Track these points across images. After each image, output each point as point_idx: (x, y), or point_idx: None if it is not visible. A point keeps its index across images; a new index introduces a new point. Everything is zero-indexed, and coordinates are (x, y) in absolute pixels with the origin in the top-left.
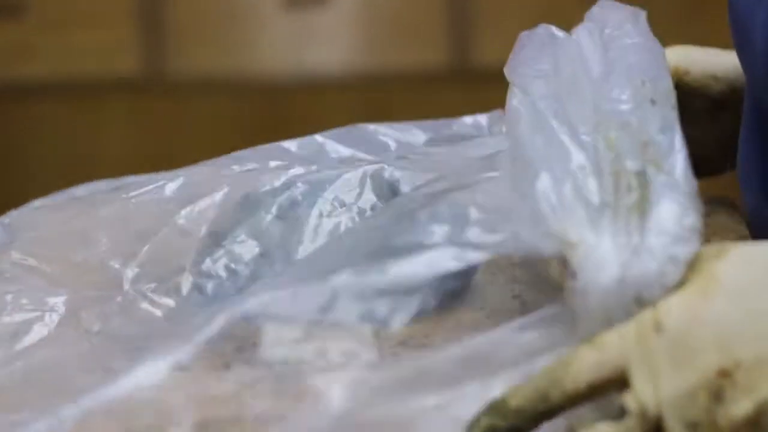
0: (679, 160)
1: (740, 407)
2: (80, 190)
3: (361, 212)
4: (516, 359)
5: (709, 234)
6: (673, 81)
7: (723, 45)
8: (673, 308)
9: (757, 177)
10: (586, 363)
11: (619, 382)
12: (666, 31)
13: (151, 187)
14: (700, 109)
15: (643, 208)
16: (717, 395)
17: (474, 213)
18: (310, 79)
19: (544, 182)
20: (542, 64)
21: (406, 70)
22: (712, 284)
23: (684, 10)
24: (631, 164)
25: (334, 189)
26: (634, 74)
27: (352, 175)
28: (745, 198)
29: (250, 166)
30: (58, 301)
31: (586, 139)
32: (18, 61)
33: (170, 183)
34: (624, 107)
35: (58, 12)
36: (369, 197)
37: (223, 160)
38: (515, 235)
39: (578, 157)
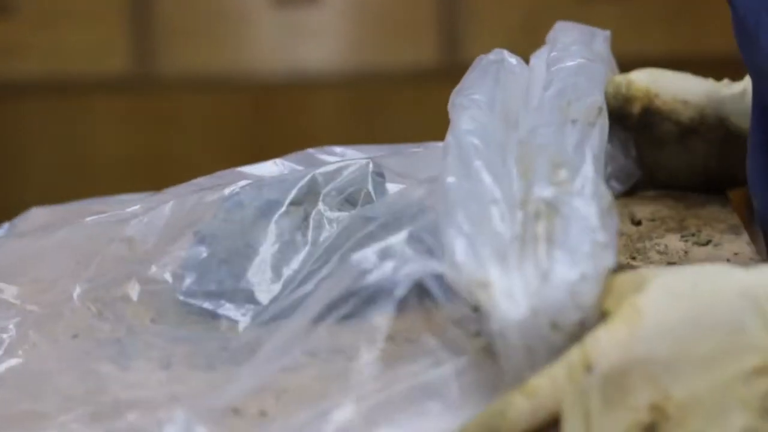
0: (589, 175)
1: None
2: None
3: (308, 216)
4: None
5: (701, 224)
6: (643, 103)
7: (715, 44)
8: (602, 346)
9: (762, 182)
10: (521, 412)
11: (556, 424)
12: (658, 32)
13: (109, 214)
14: (668, 132)
15: (551, 233)
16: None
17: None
18: (301, 77)
19: (458, 223)
20: (478, 94)
21: (397, 67)
22: (637, 318)
23: (675, 10)
24: (540, 191)
25: (278, 190)
26: (564, 96)
27: (298, 177)
28: (753, 200)
29: (209, 194)
30: (9, 324)
31: (505, 171)
32: (8, 60)
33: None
34: (545, 131)
35: (48, 10)
36: (311, 200)
37: (182, 188)
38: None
39: (493, 193)
